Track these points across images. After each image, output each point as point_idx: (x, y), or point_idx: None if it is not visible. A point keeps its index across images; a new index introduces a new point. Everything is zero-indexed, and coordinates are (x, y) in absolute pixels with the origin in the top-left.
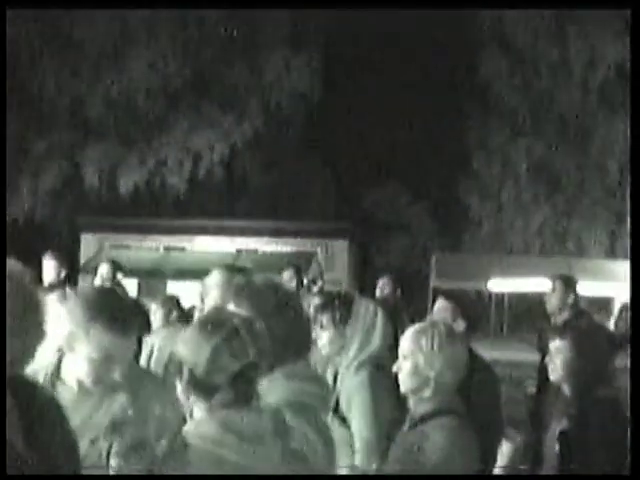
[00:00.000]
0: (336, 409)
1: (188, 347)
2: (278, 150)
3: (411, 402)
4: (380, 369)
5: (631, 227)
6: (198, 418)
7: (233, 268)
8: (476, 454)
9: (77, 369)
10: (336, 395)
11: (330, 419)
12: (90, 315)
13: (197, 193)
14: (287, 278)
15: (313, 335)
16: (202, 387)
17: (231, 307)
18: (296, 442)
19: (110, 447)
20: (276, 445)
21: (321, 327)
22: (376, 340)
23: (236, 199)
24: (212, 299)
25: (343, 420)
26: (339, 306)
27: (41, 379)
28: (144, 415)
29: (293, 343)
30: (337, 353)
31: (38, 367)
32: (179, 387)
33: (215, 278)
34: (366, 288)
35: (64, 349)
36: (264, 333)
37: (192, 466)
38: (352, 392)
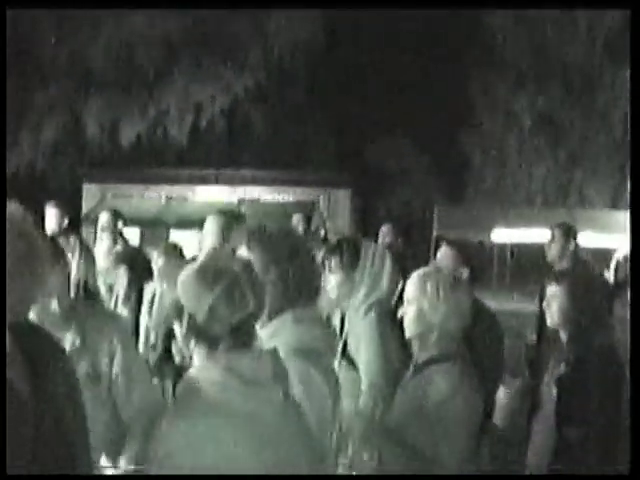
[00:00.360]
0: (344, 352)
1: (189, 295)
2: (280, 101)
3: (415, 347)
4: (388, 313)
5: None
6: (200, 364)
7: (227, 214)
8: (479, 400)
9: None
10: (344, 338)
11: (338, 363)
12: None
13: (199, 143)
14: (295, 223)
15: (322, 280)
16: (202, 335)
17: (243, 252)
18: (297, 386)
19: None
20: (276, 389)
21: (330, 271)
22: (384, 283)
23: (238, 149)
24: (208, 245)
25: (351, 363)
26: (347, 250)
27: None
28: (95, 346)
29: (303, 288)
30: (345, 296)
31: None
32: (179, 333)
33: (210, 225)
34: (368, 237)
35: None
36: (262, 281)
37: (200, 412)
38: (360, 334)
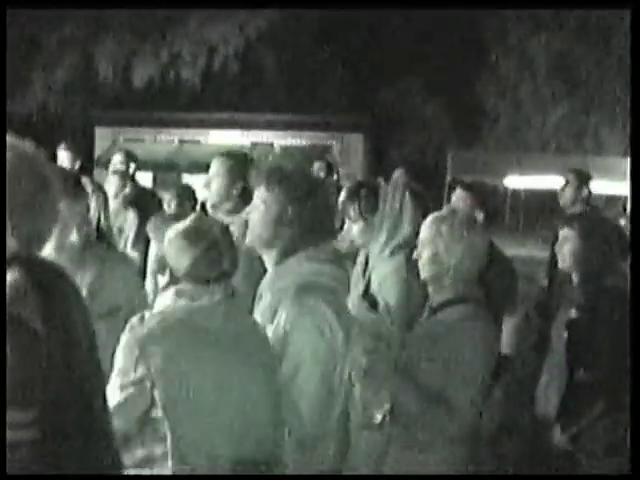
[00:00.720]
0: (366, 293)
1: (172, 251)
2: (294, 43)
3: (430, 290)
4: (411, 254)
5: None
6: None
7: (236, 156)
8: (493, 342)
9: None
10: (366, 278)
11: (358, 305)
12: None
13: (212, 86)
14: (316, 170)
15: (345, 227)
16: (179, 286)
17: (262, 192)
18: (301, 319)
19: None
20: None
21: (349, 219)
22: (405, 224)
23: (251, 92)
24: (216, 187)
25: (373, 304)
26: (366, 197)
27: None
28: (113, 284)
29: (318, 228)
30: (368, 241)
31: None
32: (160, 281)
33: (217, 167)
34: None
35: None
36: (237, 243)
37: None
38: (386, 275)
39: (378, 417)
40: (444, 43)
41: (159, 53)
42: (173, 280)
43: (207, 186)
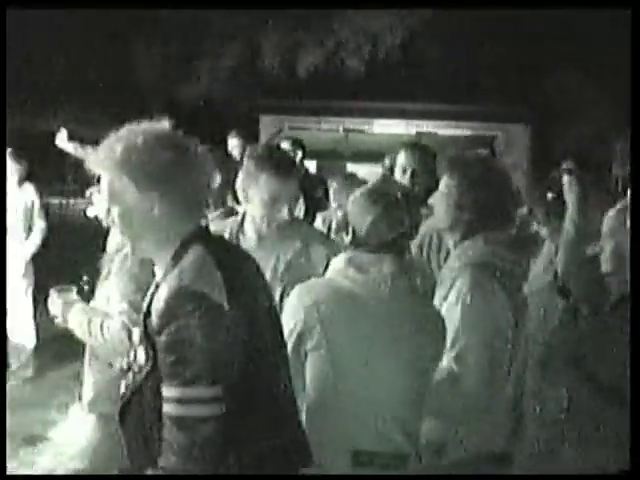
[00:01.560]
0: (555, 281)
1: (354, 210)
2: (457, 33)
3: (611, 283)
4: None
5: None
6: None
7: (419, 147)
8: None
9: (254, 214)
10: (554, 267)
11: (548, 291)
12: (258, 166)
13: (376, 75)
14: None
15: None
16: (362, 246)
17: (445, 178)
18: (467, 292)
19: (284, 289)
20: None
21: (540, 223)
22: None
23: (415, 82)
24: (408, 177)
25: (562, 293)
26: (553, 203)
27: (227, 235)
28: (312, 258)
29: (497, 213)
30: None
31: (222, 227)
32: (345, 241)
33: (399, 159)
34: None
35: (242, 201)
36: (419, 206)
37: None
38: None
39: (551, 411)
40: (609, 36)
41: (324, 42)
42: (355, 241)
43: (403, 177)
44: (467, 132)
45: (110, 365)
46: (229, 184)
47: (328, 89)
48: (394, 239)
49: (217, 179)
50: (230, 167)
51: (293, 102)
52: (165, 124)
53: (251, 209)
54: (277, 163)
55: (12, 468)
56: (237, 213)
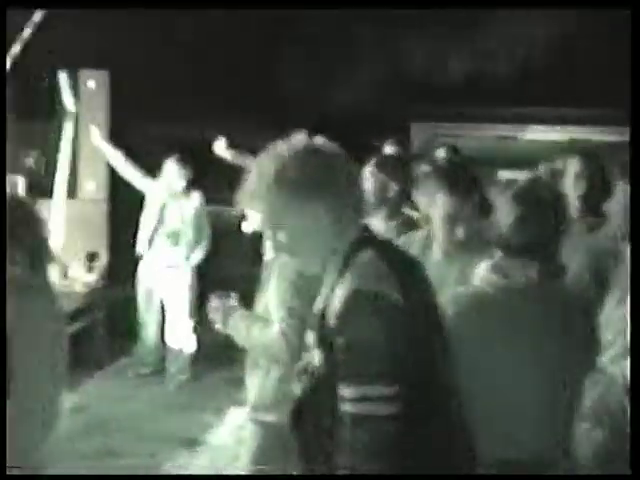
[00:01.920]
0: None
1: (500, 210)
2: (611, 35)
3: None
4: None
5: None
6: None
7: (593, 154)
8: None
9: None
10: None
11: None
12: (440, 184)
13: (530, 81)
14: None
15: None
16: (503, 245)
17: (622, 185)
18: None
19: None
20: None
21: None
22: None
23: (565, 87)
24: (569, 186)
25: None
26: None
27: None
28: None
29: None
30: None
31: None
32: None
33: (574, 166)
34: None
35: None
36: (567, 211)
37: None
38: None
39: None
40: None
41: (475, 48)
42: (499, 242)
43: (578, 184)
44: (622, 138)
45: (268, 372)
46: (404, 193)
47: (480, 95)
48: (540, 243)
49: (364, 185)
50: (406, 176)
51: (444, 109)
52: (315, 137)
53: (432, 227)
54: (455, 181)
55: (165, 469)
56: (414, 221)
